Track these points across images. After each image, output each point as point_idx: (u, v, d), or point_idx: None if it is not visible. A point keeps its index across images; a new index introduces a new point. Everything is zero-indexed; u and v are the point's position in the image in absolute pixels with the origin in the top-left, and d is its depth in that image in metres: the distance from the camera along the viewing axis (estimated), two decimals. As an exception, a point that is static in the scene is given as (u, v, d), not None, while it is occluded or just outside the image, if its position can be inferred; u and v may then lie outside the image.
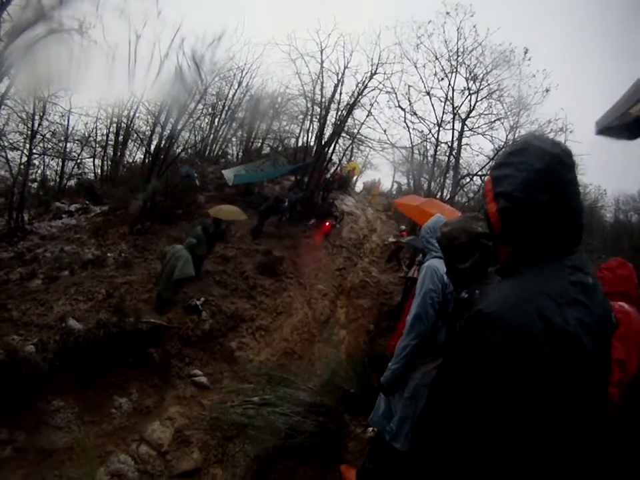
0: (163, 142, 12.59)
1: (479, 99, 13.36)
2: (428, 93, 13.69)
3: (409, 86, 13.84)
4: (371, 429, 3.24)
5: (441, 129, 13.81)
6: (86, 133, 16.26)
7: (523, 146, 1.03)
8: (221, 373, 6.22)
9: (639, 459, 1.69)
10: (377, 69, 13.22)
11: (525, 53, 12.59)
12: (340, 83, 13.90)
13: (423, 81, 13.82)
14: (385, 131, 14.35)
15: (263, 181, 15.32)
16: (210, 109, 17.48)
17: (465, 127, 13.61)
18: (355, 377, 4.02)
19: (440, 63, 13.35)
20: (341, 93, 14.07)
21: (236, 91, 18.16)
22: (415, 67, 13.58)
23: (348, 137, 15.74)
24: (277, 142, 18.85)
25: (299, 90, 15.17)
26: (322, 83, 14.10)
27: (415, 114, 14.01)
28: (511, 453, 0.86)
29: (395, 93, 13.86)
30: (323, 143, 14.08)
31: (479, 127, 13.75)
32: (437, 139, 14.05)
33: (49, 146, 14.22)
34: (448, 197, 13.36)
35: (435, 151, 14.58)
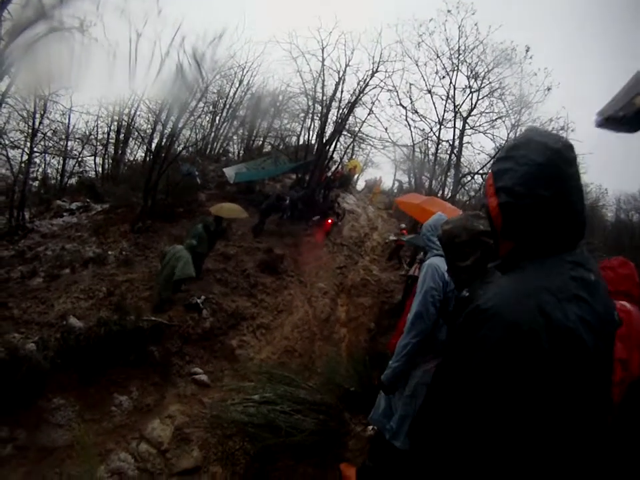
0: (164, 140, 12.59)
1: (480, 97, 13.36)
2: (429, 91, 13.66)
3: (410, 84, 13.83)
4: (371, 427, 3.24)
5: (442, 127, 13.79)
6: (87, 131, 16.31)
7: (524, 140, 1.02)
8: (221, 371, 6.23)
9: (639, 459, 1.69)
10: (378, 67, 13.20)
11: (527, 51, 12.59)
12: (341, 81, 13.91)
13: (424, 79, 13.76)
14: (386, 129, 14.35)
15: (264, 179, 15.32)
16: (211, 107, 17.49)
17: (466, 125, 13.60)
18: (355, 375, 4.02)
19: (441, 61, 13.34)
20: (342, 91, 14.08)
21: (237, 89, 18.16)
22: (416, 65, 13.56)
23: (349, 135, 15.74)
24: (278, 140, 18.88)
25: (300, 88, 15.19)
26: (323, 81, 14.11)
27: (416, 112, 14.01)
28: (510, 449, 0.85)
29: (396, 91, 13.85)
30: (324, 141, 14.07)
31: (480, 125, 13.76)
32: (438, 137, 14.04)
33: (50, 144, 14.20)
34: (449, 195, 13.35)
35: (436, 149, 14.58)
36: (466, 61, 13.11)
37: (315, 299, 8.93)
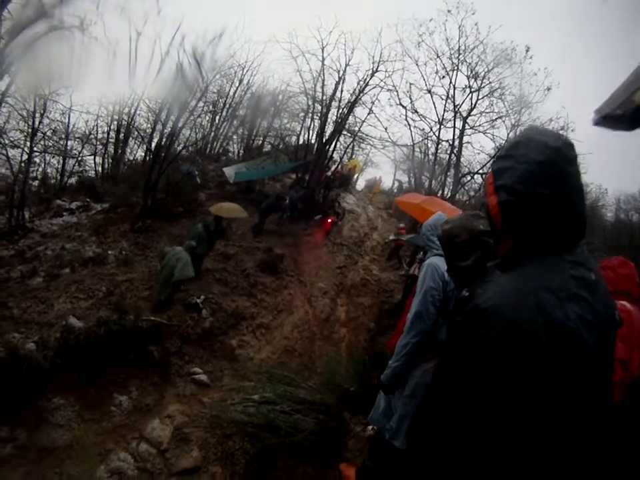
0: (164, 139, 12.58)
1: (480, 97, 13.34)
2: (429, 91, 13.65)
3: (410, 84, 13.81)
4: (370, 427, 3.24)
5: (442, 127, 13.77)
6: (87, 131, 16.30)
7: (524, 139, 1.01)
8: (221, 371, 6.22)
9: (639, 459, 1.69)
10: (378, 66, 13.20)
11: (527, 51, 12.57)
12: (341, 81, 13.91)
13: (424, 79, 13.74)
14: (386, 128, 14.34)
15: (263, 178, 15.33)
16: (211, 107, 17.50)
17: (466, 125, 13.58)
18: (355, 375, 4.02)
19: (441, 60, 13.32)
20: (342, 91, 14.08)
21: (237, 88, 18.18)
22: (416, 64, 13.54)
23: (349, 134, 15.74)
24: (278, 140, 18.87)
25: (300, 87, 15.19)
26: (323, 80, 14.11)
27: (416, 112, 14.00)
28: (509, 449, 0.85)
29: (396, 91, 13.84)
30: (324, 140, 14.07)
31: (480, 125, 13.74)
32: (438, 137, 14.02)
33: (50, 144, 14.19)
34: (449, 195, 13.33)
35: (436, 149, 14.56)
36: (466, 61, 13.11)
37: (314, 299, 8.93)
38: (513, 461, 0.85)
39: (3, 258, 8.73)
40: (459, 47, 12.98)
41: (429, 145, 15.93)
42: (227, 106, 18.45)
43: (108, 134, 16.90)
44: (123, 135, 16.99)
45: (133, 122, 16.64)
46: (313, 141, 15.90)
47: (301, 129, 18.64)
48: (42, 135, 12.99)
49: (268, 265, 9.40)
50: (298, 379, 3.68)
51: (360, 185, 24.37)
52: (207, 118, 18.45)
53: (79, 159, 16.08)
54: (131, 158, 18.02)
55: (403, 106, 13.93)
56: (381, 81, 13.47)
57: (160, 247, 9.12)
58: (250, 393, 3.57)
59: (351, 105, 13.76)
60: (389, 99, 14.03)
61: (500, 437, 0.85)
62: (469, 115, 13.49)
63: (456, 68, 13.19)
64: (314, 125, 15.94)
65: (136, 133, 16.77)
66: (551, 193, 0.92)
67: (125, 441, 4.76)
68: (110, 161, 16.98)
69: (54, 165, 15.70)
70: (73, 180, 15.69)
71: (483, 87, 13.18)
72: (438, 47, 13.37)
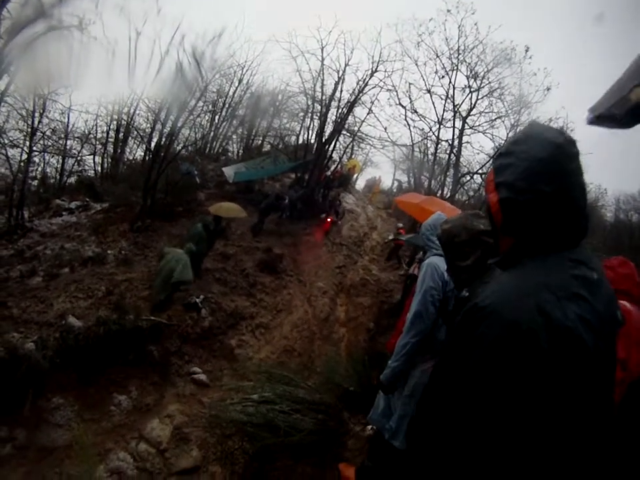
0: (163, 139, 12.57)
1: (479, 97, 13.33)
2: (429, 91, 13.65)
3: (410, 84, 13.81)
4: (370, 427, 3.24)
5: (441, 126, 13.77)
6: (86, 130, 16.26)
7: (526, 135, 1.01)
8: (220, 371, 6.22)
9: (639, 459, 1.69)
10: (377, 66, 13.21)
11: (526, 51, 12.55)
12: (340, 81, 13.91)
13: (423, 79, 13.74)
14: (385, 128, 14.34)
15: (263, 178, 15.32)
16: (210, 107, 17.47)
17: (466, 125, 13.57)
18: (354, 374, 4.02)
19: (441, 60, 13.31)
20: (341, 91, 14.09)
21: (236, 88, 18.15)
22: (416, 64, 13.54)
23: (348, 134, 15.75)
24: (278, 139, 18.87)
25: (300, 87, 15.20)
26: (322, 80, 14.11)
27: (416, 112, 14.00)
28: (507, 448, 0.85)
29: (396, 91, 13.84)
30: (324, 140, 14.07)
31: (479, 125, 13.73)
32: (438, 137, 14.02)
33: (49, 143, 14.15)
34: (448, 195, 13.32)
35: (436, 148, 14.56)
36: (465, 61, 13.10)
37: (314, 299, 8.93)
38: (512, 461, 0.84)
39: (3, 257, 8.71)
40: (459, 46, 12.98)
41: (429, 145, 15.96)
42: (227, 106, 18.46)
43: (107, 133, 16.90)
44: (122, 134, 16.96)
45: (132, 121, 16.63)
46: (312, 141, 15.91)
47: (301, 129, 18.70)
48: (41, 134, 12.97)
49: (267, 265, 9.39)
50: (297, 379, 3.68)
51: (360, 184, 24.39)
52: (207, 117, 18.44)
53: (79, 158, 16.05)
54: (131, 157, 18.03)
55: (402, 106, 13.95)
56: (381, 80, 13.51)
57: (159, 247, 9.11)
58: (249, 392, 3.56)
59: (351, 105, 13.77)
60: (389, 98, 14.04)
61: (498, 436, 0.85)
62: (468, 114, 13.49)
63: (455, 68, 13.20)
64: (313, 124, 15.96)
65: (135, 132, 16.76)
66: (552, 191, 0.91)
67: (125, 440, 4.76)
68: (109, 160, 16.96)
69: (53, 164, 15.70)
70: (72, 179, 15.67)
71: (483, 86, 13.18)
72: (437, 46, 13.37)
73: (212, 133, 19.19)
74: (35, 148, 12.58)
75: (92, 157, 16.76)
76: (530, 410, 0.83)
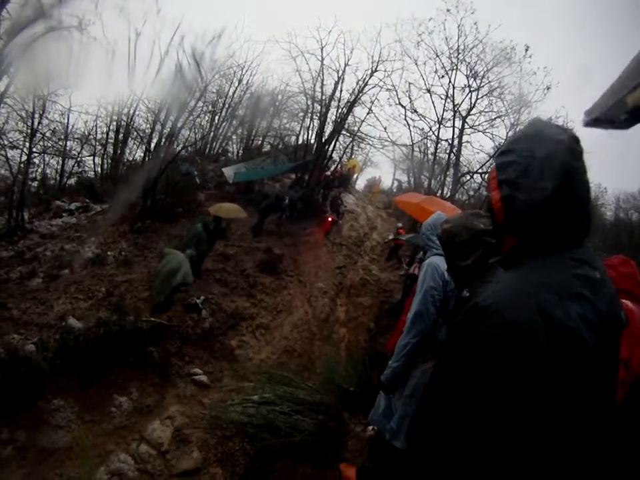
0: (163, 140, 12.58)
1: (479, 97, 13.35)
2: (428, 91, 13.66)
3: (410, 83, 13.83)
4: (370, 427, 3.23)
5: (441, 126, 13.80)
6: (86, 131, 16.28)
7: (528, 132, 1.00)
8: (221, 372, 6.21)
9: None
10: (377, 66, 13.24)
11: (526, 50, 12.57)
12: (340, 81, 13.94)
13: (423, 79, 13.78)
14: (385, 128, 14.37)
15: (263, 178, 15.32)
16: (210, 107, 17.50)
17: (466, 124, 13.59)
18: (354, 375, 4.01)
19: (440, 60, 13.34)
20: (341, 91, 14.12)
21: (236, 88, 18.19)
22: (416, 64, 13.58)
23: (348, 134, 15.78)
24: (278, 140, 18.88)
25: (299, 87, 15.24)
26: (322, 80, 14.14)
27: (416, 111, 14.02)
28: (508, 449, 0.84)
29: (396, 91, 13.86)
30: (324, 140, 14.09)
31: (479, 125, 13.76)
32: (438, 137, 14.05)
33: (49, 144, 14.18)
34: (448, 194, 13.34)
35: (436, 148, 14.59)
36: (465, 60, 13.12)
37: (314, 299, 8.92)
38: (512, 461, 0.84)
39: (3, 259, 8.71)
40: (458, 46, 13.01)
41: (428, 145, 15.98)
42: (226, 106, 18.49)
43: (107, 134, 16.90)
44: (122, 135, 16.97)
45: (132, 122, 16.65)
46: (312, 141, 15.93)
47: (300, 129, 18.72)
48: (41, 135, 12.98)
49: (267, 265, 9.39)
50: (297, 380, 3.68)
51: (360, 184, 24.40)
52: (206, 118, 18.47)
53: (78, 159, 16.07)
54: (130, 158, 18.03)
55: (402, 105, 13.97)
56: (380, 80, 13.54)
57: (159, 248, 9.12)
58: (250, 393, 3.56)
59: (350, 105, 13.78)
60: (388, 98, 14.07)
61: (499, 436, 0.84)
62: (468, 114, 13.51)
63: (455, 67, 13.22)
64: (313, 124, 15.98)
65: (135, 133, 16.79)
66: (555, 188, 0.90)
67: (125, 442, 4.75)
68: (109, 161, 16.98)
69: (53, 165, 15.72)
70: (72, 181, 15.69)
71: (482, 86, 13.20)
72: (437, 46, 13.41)
73: (212, 134, 19.26)
74: (34, 149, 12.60)
75: (92, 158, 16.82)
76: (531, 410, 0.82)
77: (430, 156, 15.99)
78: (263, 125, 19.61)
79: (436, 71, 13.47)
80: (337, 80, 13.95)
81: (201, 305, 7.12)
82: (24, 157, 12.33)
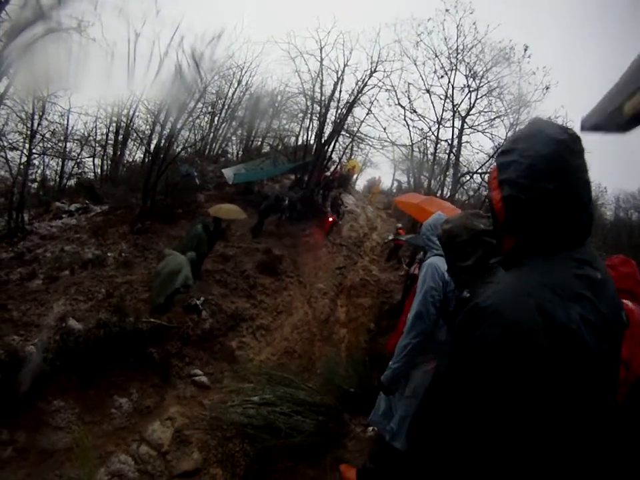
0: (163, 141, 12.59)
1: (478, 97, 13.35)
2: (428, 91, 13.67)
3: (409, 84, 13.84)
4: (371, 428, 3.23)
5: (440, 126, 13.80)
6: (85, 133, 16.26)
7: (529, 131, 0.99)
8: (221, 373, 6.21)
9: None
10: (376, 66, 13.25)
11: (525, 50, 12.56)
12: (340, 81, 13.95)
13: (422, 79, 13.78)
14: (384, 128, 14.38)
15: (262, 179, 15.31)
16: (210, 108, 17.46)
17: (465, 124, 13.59)
18: (355, 376, 4.01)
19: (440, 60, 13.34)
20: (340, 91, 14.12)
21: (236, 89, 18.16)
22: (415, 64, 13.58)
23: (348, 135, 15.78)
24: (277, 140, 18.89)
25: (299, 88, 15.24)
26: (321, 81, 14.14)
27: (415, 112, 14.03)
28: (509, 449, 0.84)
29: (395, 91, 13.87)
30: (323, 141, 14.10)
31: (479, 125, 13.75)
32: (437, 137, 14.05)
33: (49, 146, 14.17)
34: (448, 194, 13.34)
35: (435, 148, 14.58)
36: (464, 60, 13.12)
37: (314, 300, 8.92)
38: (514, 461, 0.84)
39: (2, 260, 8.71)
40: (457, 46, 13.02)
41: (428, 145, 15.95)
42: (226, 107, 18.46)
43: (107, 136, 16.92)
44: (121, 136, 16.97)
45: (131, 123, 16.66)
46: (311, 142, 15.91)
47: (300, 130, 18.73)
48: (41, 137, 12.98)
49: (267, 266, 9.38)
50: (298, 381, 3.68)
51: (359, 185, 24.40)
52: (206, 119, 18.43)
53: (78, 160, 16.06)
54: (130, 159, 18.04)
55: (401, 106, 13.97)
56: (380, 81, 13.55)
57: (159, 249, 9.11)
58: (250, 394, 3.57)
59: (350, 105, 13.78)
60: (388, 99, 14.08)
61: (500, 436, 0.84)
62: (467, 114, 13.51)
63: (454, 67, 13.22)
64: (313, 125, 15.96)
65: (135, 134, 16.79)
66: (556, 188, 0.90)
67: (126, 443, 4.75)
68: (109, 162, 16.98)
69: (53, 167, 15.70)
70: (72, 182, 15.68)
71: (482, 86, 13.20)
72: (436, 46, 13.41)
73: (211, 135, 19.23)
74: (34, 150, 12.59)
75: (91, 159, 16.81)
76: (532, 410, 0.82)
77: (429, 156, 16.00)
78: (263, 126, 19.62)
79: (435, 71, 13.49)
80: (336, 80, 13.98)
81: (201, 306, 7.12)
82: (24, 159, 12.32)
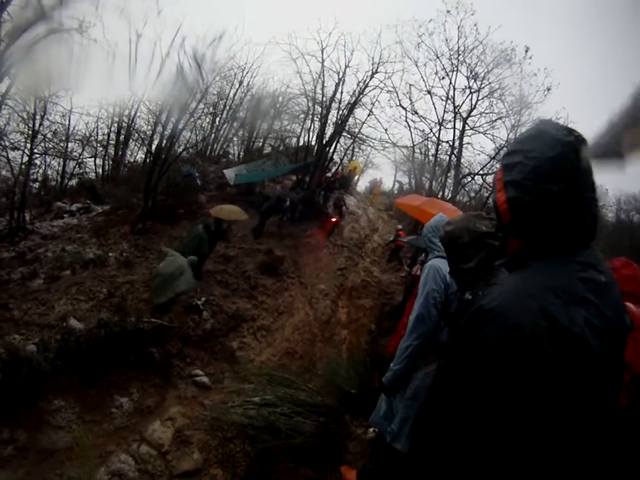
0: (164, 141, 12.59)
1: (480, 98, 13.39)
2: (429, 92, 13.69)
3: (410, 85, 13.87)
4: (371, 429, 3.23)
5: (442, 128, 13.83)
6: (87, 133, 16.34)
7: (535, 133, 0.98)
8: (222, 373, 6.20)
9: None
10: (377, 67, 13.26)
11: (526, 51, 12.60)
12: (341, 82, 13.95)
13: (424, 80, 13.82)
14: (386, 130, 14.39)
15: (264, 180, 15.32)
16: (211, 109, 17.52)
17: (466, 125, 13.62)
18: (356, 377, 4.01)
19: (441, 61, 13.39)
20: (342, 92, 14.14)
21: (237, 90, 18.21)
22: (416, 65, 13.62)
23: (349, 136, 15.77)
24: (278, 141, 18.90)
25: (300, 89, 15.26)
26: (323, 82, 14.17)
27: (416, 113, 14.05)
28: (511, 452, 0.84)
29: (396, 92, 13.90)
30: (324, 142, 14.10)
31: (480, 126, 13.77)
32: (438, 138, 14.06)
33: (50, 146, 14.20)
34: (449, 196, 13.36)
35: (436, 150, 14.60)
36: (465, 62, 13.17)
37: (315, 301, 8.91)
38: (515, 464, 0.84)
39: (4, 260, 8.72)
40: (459, 47, 13.06)
41: (429, 146, 15.98)
42: (227, 108, 18.51)
43: (108, 136, 16.97)
44: (123, 136, 17.01)
45: (133, 124, 16.69)
46: (313, 143, 15.95)
47: (301, 131, 18.75)
48: (42, 137, 12.98)
49: (268, 267, 9.38)
50: (298, 381, 3.68)
51: (361, 186, 24.40)
52: (207, 120, 18.50)
53: (80, 161, 16.10)
54: (131, 160, 18.08)
55: (402, 107, 14.00)
56: (381, 82, 13.56)
57: (160, 249, 9.11)
58: (250, 395, 3.57)
59: (351, 107, 13.79)
60: (389, 100, 14.14)
61: (502, 438, 0.84)
62: (468, 115, 13.53)
63: (456, 69, 13.26)
64: (314, 126, 16.01)
65: (136, 134, 16.81)
66: (561, 190, 0.89)
67: (126, 442, 4.74)
68: (110, 162, 17.01)
69: (54, 167, 15.77)
70: (73, 182, 15.71)
71: (483, 87, 13.23)
72: (437, 47, 13.47)
73: (213, 135, 19.28)
74: (36, 150, 12.58)
75: (93, 159, 16.85)
76: (534, 413, 0.82)
77: (431, 157, 16.02)
78: (264, 127, 19.68)
79: (436, 73, 13.54)
80: (337, 82, 13.99)
81: (202, 307, 7.12)
82: (25, 158, 12.33)
